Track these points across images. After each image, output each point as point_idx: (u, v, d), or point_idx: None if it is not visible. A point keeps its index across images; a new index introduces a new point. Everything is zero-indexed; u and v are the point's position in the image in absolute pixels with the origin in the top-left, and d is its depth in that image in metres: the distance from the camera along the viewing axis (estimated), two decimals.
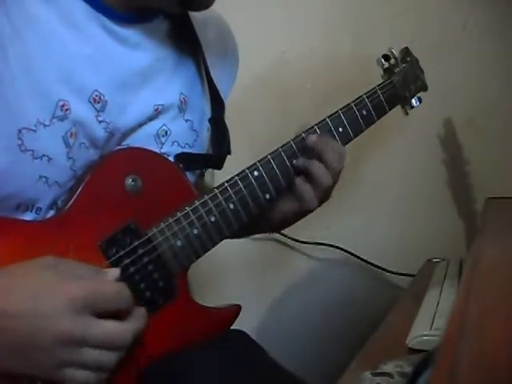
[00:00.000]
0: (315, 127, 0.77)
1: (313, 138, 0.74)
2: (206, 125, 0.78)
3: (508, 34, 1.20)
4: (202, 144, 0.77)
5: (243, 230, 0.82)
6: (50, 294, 0.53)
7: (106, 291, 0.56)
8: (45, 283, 0.54)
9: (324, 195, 0.75)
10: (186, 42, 0.75)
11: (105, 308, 0.55)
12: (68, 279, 0.55)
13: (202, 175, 0.81)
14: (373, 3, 1.26)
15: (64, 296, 0.53)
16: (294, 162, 0.75)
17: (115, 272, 0.60)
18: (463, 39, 1.22)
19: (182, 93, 0.74)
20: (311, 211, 0.77)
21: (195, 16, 0.76)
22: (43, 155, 0.61)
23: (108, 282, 0.58)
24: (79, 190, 0.63)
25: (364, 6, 1.26)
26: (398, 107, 0.89)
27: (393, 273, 1.29)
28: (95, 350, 0.54)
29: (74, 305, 0.53)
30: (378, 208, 1.31)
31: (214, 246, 0.70)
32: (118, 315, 0.57)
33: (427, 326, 0.72)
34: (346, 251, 1.31)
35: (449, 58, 1.22)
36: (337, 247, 1.32)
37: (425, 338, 0.69)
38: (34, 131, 0.59)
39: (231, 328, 0.74)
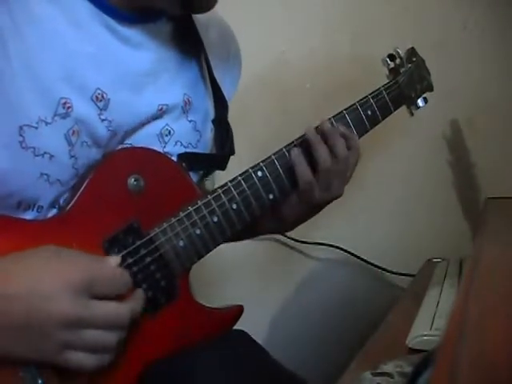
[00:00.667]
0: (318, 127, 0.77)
1: (311, 135, 0.75)
2: (210, 125, 0.78)
3: (508, 34, 1.20)
4: (205, 144, 0.77)
5: (251, 231, 0.83)
6: (49, 276, 0.54)
7: (106, 275, 0.57)
8: (44, 267, 0.55)
9: (328, 183, 0.74)
10: (188, 44, 0.75)
11: (104, 291, 0.56)
12: (68, 263, 0.55)
13: (206, 176, 0.81)
14: (373, 3, 1.26)
15: (63, 278, 0.54)
16: (306, 135, 0.74)
17: (115, 259, 0.60)
18: (463, 39, 1.22)
19: (185, 93, 0.74)
20: (317, 202, 0.76)
21: (198, 18, 0.76)
22: (45, 153, 0.61)
23: (108, 266, 0.59)
24: (81, 189, 0.63)
25: (364, 6, 1.26)
26: (403, 107, 0.89)
27: (393, 273, 1.29)
28: (95, 331, 0.55)
29: (73, 287, 0.54)
30: (378, 208, 1.31)
31: (216, 247, 0.70)
32: (117, 298, 0.58)
33: (427, 326, 0.72)
34: (346, 251, 1.31)
35: (449, 58, 1.22)
36: (337, 247, 1.32)
37: (425, 337, 0.69)
38: (36, 128, 0.60)
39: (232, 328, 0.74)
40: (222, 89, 0.78)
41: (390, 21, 1.25)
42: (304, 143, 0.75)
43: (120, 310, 0.57)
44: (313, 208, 0.78)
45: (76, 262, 0.56)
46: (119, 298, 0.58)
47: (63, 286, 0.53)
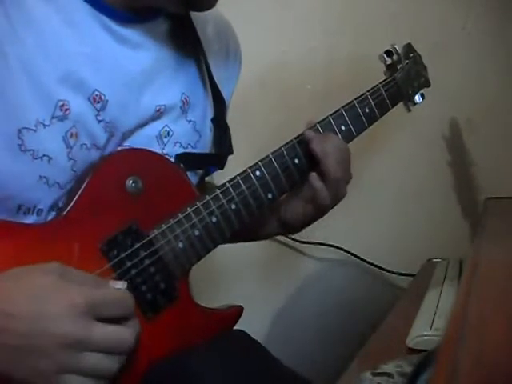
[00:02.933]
0: (317, 125, 0.77)
1: (310, 134, 0.75)
2: (209, 125, 0.78)
3: (507, 33, 1.20)
4: (204, 144, 0.77)
5: (256, 235, 0.83)
6: (52, 297, 0.53)
7: (109, 298, 0.56)
8: (48, 286, 0.54)
9: (335, 193, 0.75)
10: (187, 42, 0.75)
11: (107, 315, 0.55)
12: (71, 285, 0.55)
13: (206, 176, 0.81)
14: (373, 3, 1.26)
15: (67, 300, 0.53)
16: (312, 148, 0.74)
17: (121, 284, 0.59)
18: (462, 39, 1.22)
19: (183, 93, 0.74)
20: (324, 211, 0.77)
21: (196, 16, 0.76)
22: (43, 155, 0.60)
23: (112, 290, 0.58)
24: (80, 191, 0.63)
25: (364, 6, 1.26)
26: (400, 104, 0.89)
27: (393, 273, 1.29)
28: (96, 355, 0.53)
29: (76, 309, 0.53)
30: (379, 208, 1.31)
31: (215, 247, 0.70)
32: (120, 322, 0.56)
33: (427, 326, 0.72)
34: (346, 251, 1.31)
35: (448, 58, 1.22)
36: (337, 247, 1.32)
37: (425, 337, 0.69)
38: (34, 131, 0.59)
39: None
40: (221, 87, 0.78)
41: (389, 21, 1.25)
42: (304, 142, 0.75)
43: (122, 334, 0.56)
44: (320, 212, 0.78)
45: (80, 285, 0.55)
46: (123, 320, 0.57)
47: (67, 309, 0.53)
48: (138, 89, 0.68)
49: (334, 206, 0.77)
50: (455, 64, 1.22)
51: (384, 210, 1.31)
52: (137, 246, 0.64)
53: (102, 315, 0.54)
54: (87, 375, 0.53)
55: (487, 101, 1.21)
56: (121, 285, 0.59)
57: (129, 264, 0.63)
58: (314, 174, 0.74)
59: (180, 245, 0.67)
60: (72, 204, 0.62)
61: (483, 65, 1.22)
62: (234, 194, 0.70)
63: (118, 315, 0.56)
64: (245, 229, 0.74)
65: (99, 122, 0.65)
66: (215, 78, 0.77)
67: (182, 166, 0.72)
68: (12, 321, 0.52)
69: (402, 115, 0.93)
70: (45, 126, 0.60)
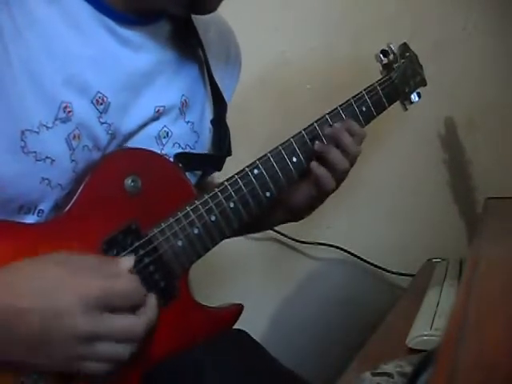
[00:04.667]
0: (315, 124, 0.77)
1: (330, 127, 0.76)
2: (208, 126, 0.78)
3: (507, 34, 1.20)
4: (203, 145, 0.77)
5: (263, 225, 0.85)
6: (63, 290, 0.54)
7: (119, 288, 0.57)
8: (57, 279, 0.54)
9: (341, 177, 0.77)
10: (188, 45, 0.75)
11: (118, 305, 0.56)
12: (81, 275, 0.55)
13: (204, 177, 0.81)
14: (372, 3, 1.26)
15: (78, 293, 0.54)
16: (316, 144, 0.76)
17: (128, 262, 0.60)
18: (463, 39, 1.22)
19: (183, 94, 0.74)
20: (329, 194, 0.78)
21: (198, 18, 0.76)
22: (46, 157, 0.60)
23: (121, 277, 0.58)
24: (79, 191, 0.63)
25: (364, 6, 1.26)
26: (397, 104, 0.89)
27: (393, 273, 1.29)
28: (109, 344, 0.55)
29: (87, 302, 0.54)
30: (378, 208, 1.31)
31: (214, 246, 0.70)
32: (132, 310, 0.58)
33: (427, 326, 0.72)
34: (346, 251, 1.31)
35: (449, 57, 1.22)
36: (337, 247, 1.32)
37: (425, 337, 0.69)
38: (37, 133, 0.59)
39: (232, 328, 0.74)
40: (221, 89, 0.78)
41: (389, 21, 1.25)
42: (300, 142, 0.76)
43: (133, 324, 0.57)
44: (325, 195, 0.80)
45: (91, 275, 0.56)
46: (133, 306, 0.58)
47: (78, 303, 0.53)
48: (139, 90, 0.68)
49: (337, 188, 0.79)
50: (455, 64, 1.22)
51: (384, 210, 1.31)
52: (136, 244, 0.64)
53: (113, 306, 0.56)
54: (102, 361, 0.56)
55: (487, 100, 1.21)
56: (130, 262, 0.60)
57: None
58: (314, 163, 0.75)
59: (179, 243, 0.67)
60: (71, 203, 0.62)
61: (483, 65, 1.21)
62: (232, 192, 0.70)
63: (129, 305, 0.57)
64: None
65: (102, 124, 0.65)
66: (216, 80, 0.77)
67: (180, 165, 0.72)
68: (24, 316, 0.52)
69: (402, 115, 0.93)
70: (48, 128, 0.60)
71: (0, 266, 0.55)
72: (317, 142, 0.76)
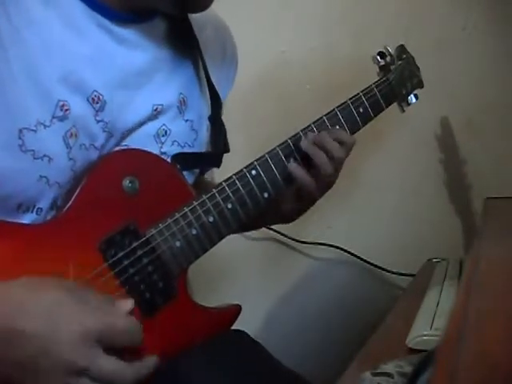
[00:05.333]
0: (312, 125, 0.77)
1: (310, 135, 0.76)
2: (206, 124, 0.78)
3: (508, 33, 1.20)
4: (201, 143, 0.77)
5: (257, 225, 0.86)
6: (66, 319, 0.53)
7: (119, 326, 0.56)
8: (62, 307, 0.54)
9: (325, 183, 0.77)
10: (184, 42, 0.75)
11: (117, 342, 0.56)
12: (85, 309, 0.55)
13: (202, 174, 0.81)
14: (372, 3, 1.26)
15: (80, 326, 0.53)
16: (302, 142, 0.75)
17: (128, 305, 0.60)
18: (463, 39, 1.22)
19: (181, 93, 0.74)
20: (314, 197, 0.78)
21: (193, 16, 0.76)
22: (44, 155, 0.60)
23: (121, 316, 0.58)
24: (77, 191, 0.63)
25: (364, 6, 1.26)
26: (396, 105, 0.90)
27: (393, 273, 1.29)
28: (92, 383, 0.54)
29: (88, 337, 0.53)
30: (378, 208, 1.31)
31: (212, 246, 0.70)
32: (129, 352, 0.57)
33: (427, 326, 0.72)
34: (346, 251, 1.31)
35: (448, 57, 1.22)
36: (337, 247, 1.32)
37: (425, 337, 0.69)
38: (35, 131, 0.59)
39: (231, 328, 0.74)
40: (217, 87, 0.78)
41: (389, 21, 1.25)
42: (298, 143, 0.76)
43: (126, 374, 0.56)
44: (311, 202, 0.80)
45: (94, 310, 0.55)
46: (130, 347, 0.58)
47: (79, 336, 0.53)
48: (136, 89, 0.69)
49: (323, 195, 0.79)
50: (456, 64, 1.22)
51: (384, 210, 1.31)
52: (134, 245, 0.64)
53: (112, 343, 0.55)
54: None
55: (487, 100, 1.21)
56: (130, 304, 0.59)
57: (126, 263, 0.63)
58: (293, 164, 0.75)
59: (177, 244, 0.67)
60: (69, 204, 0.62)
61: (483, 65, 1.21)
62: (229, 193, 0.70)
63: (126, 344, 0.57)
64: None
65: (98, 122, 0.65)
66: (212, 78, 0.77)
67: (178, 166, 0.72)
68: (22, 338, 0.52)
69: (401, 115, 0.93)
70: (45, 126, 0.60)
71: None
72: (305, 142, 0.75)
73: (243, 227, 0.84)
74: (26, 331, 0.52)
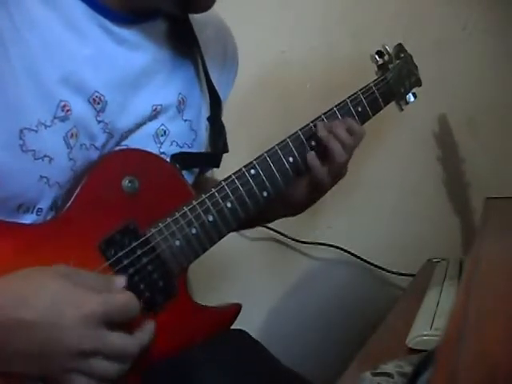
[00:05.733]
0: (311, 125, 0.78)
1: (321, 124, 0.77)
2: (205, 124, 0.78)
3: (508, 33, 1.20)
4: (200, 143, 0.77)
5: (263, 219, 0.85)
6: (68, 306, 0.54)
7: (118, 303, 0.56)
8: (62, 293, 0.54)
9: (338, 171, 0.78)
10: (184, 43, 0.75)
11: (117, 319, 0.56)
12: (83, 291, 0.55)
13: (201, 174, 0.81)
14: (372, 3, 1.26)
15: (82, 309, 0.54)
16: (318, 129, 0.76)
17: (122, 281, 0.60)
18: (463, 39, 1.22)
19: (180, 93, 0.74)
20: (326, 187, 0.79)
21: (194, 17, 0.76)
22: (44, 156, 0.61)
23: (118, 292, 0.58)
24: (77, 191, 0.63)
25: (364, 6, 1.26)
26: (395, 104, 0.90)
27: (393, 273, 1.29)
28: (103, 361, 0.55)
29: (91, 319, 0.54)
30: (378, 208, 1.31)
31: (212, 245, 0.70)
32: (128, 324, 0.58)
33: (427, 326, 0.72)
34: (346, 251, 1.31)
35: (448, 57, 1.22)
36: (337, 247, 1.32)
37: (425, 337, 0.69)
38: (36, 132, 0.59)
39: (232, 328, 0.74)
40: (217, 88, 0.78)
41: (389, 21, 1.24)
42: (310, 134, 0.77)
43: (129, 343, 0.57)
44: (323, 192, 0.80)
45: (92, 291, 0.56)
46: (130, 321, 0.58)
47: (81, 319, 0.53)
48: (136, 89, 0.69)
49: (334, 185, 0.80)
50: (455, 64, 1.22)
51: (384, 209, 1.31)
52: (134, 244, 0.64)
53: (112, 320, 0.56)
54: (93, 378, 0.55)
55: (487, 100, 1.21)
56: (123, 281, 0.60)
57: (126, 262, 0.64)
58: (312, 154, 0.76)
59: (177, 243, 0.67)
60: (69, 204, 0.62)
61: (483, 64, 1.21)
62: (229, 192, 0.70)
63: (126, 320, 0.57)
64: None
65: (99, 122, 0.65)
66: (212, 79, 0.77)
67: (177, 166, 0.72)
68: (26, 327, 0.52)
69: (401, 114, 0.93)
70: (46, 126, 0.60)
71: (0, 267, 0.55)
72: (319, 129, 0.76)
73: (249, 223, 0.85)
74: (28, 321, 0.52)
